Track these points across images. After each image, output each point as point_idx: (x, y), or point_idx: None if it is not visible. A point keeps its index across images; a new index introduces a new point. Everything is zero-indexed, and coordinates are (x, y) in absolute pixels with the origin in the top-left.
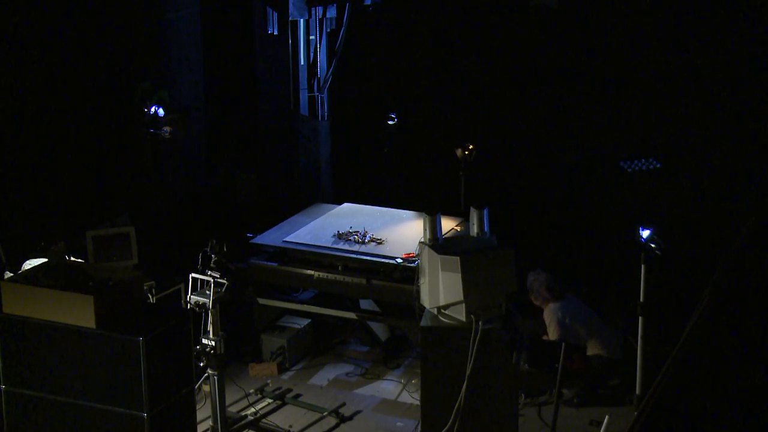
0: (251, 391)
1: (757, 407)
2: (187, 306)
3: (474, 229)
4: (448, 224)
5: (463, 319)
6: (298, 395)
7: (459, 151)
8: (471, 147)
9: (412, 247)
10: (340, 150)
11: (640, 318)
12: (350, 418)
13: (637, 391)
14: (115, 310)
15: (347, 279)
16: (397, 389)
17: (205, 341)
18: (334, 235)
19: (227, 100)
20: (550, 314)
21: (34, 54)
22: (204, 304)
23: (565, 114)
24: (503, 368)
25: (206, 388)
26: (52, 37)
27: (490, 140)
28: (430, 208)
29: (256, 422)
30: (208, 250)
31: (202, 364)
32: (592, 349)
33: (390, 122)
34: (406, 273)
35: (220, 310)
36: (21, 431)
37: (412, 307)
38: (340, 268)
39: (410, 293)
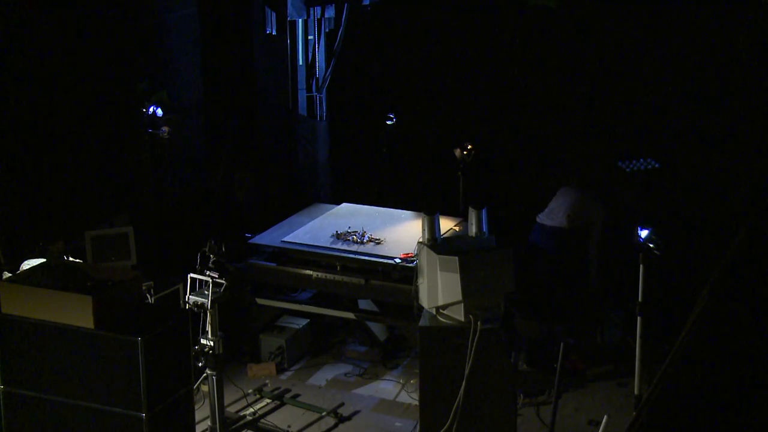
0: (250, 391)
1: (756, 407)
2: (185, 306)
3: (473, 229)
4: (446, 224)
5: (462, 319)
6: (296, 395)
7: (458, 151)
8: (470, 147)
9: (410, 247)
10: (338, 150)
11: (638, 317)
12: (349, 418)
13: (636, 391)
14: (114, 310)
15: (346, 279)
16: (395, 389)
17: (203, 341)
18: (333, 235)
19: (226, 100)
20: None
21: (32, 54)
22: (202, 304)
23: (565, 114)
24: (502, 368)
25: (205, 388)
26: (50, 36)
27: (490, 140)
28: (429, 208)
29: (254, 422)
30: (207, 250)
31: (200, 365)
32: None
33: (388, 122)
34: (404, 273)
35: (219, 310)
36: None
37: (410, 307)
38: (338, 268)
39: (409, 293)
